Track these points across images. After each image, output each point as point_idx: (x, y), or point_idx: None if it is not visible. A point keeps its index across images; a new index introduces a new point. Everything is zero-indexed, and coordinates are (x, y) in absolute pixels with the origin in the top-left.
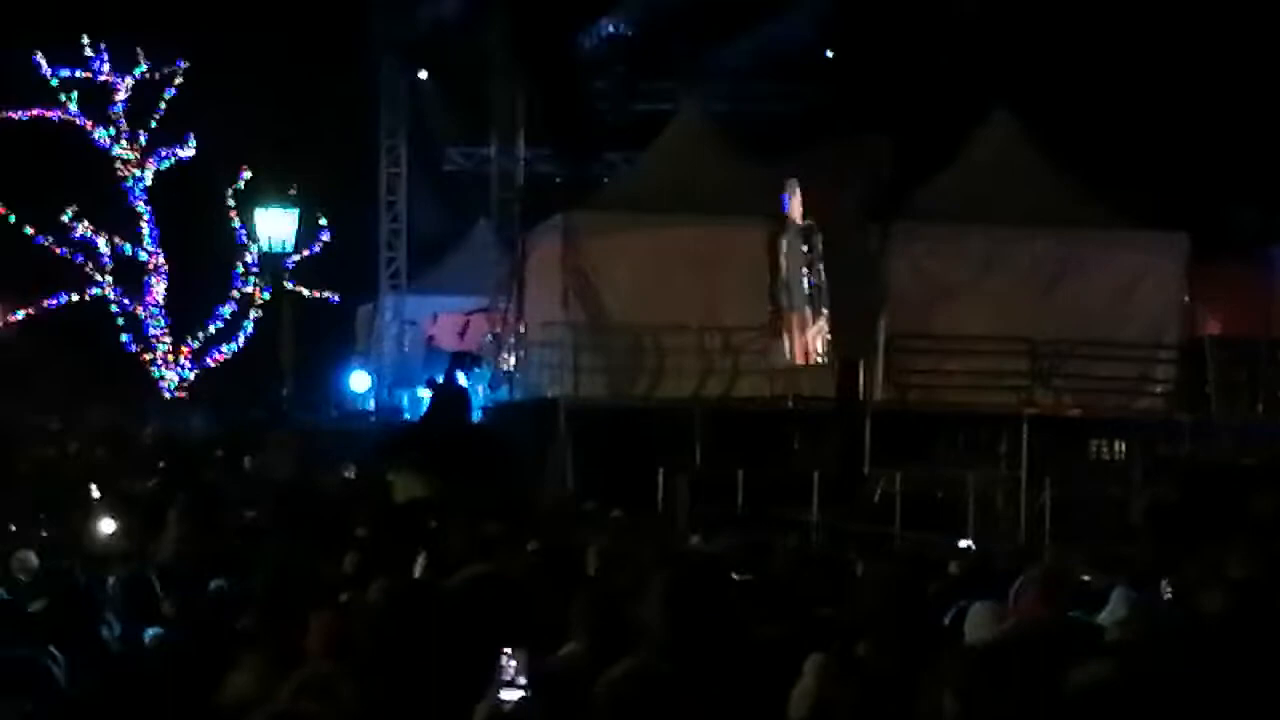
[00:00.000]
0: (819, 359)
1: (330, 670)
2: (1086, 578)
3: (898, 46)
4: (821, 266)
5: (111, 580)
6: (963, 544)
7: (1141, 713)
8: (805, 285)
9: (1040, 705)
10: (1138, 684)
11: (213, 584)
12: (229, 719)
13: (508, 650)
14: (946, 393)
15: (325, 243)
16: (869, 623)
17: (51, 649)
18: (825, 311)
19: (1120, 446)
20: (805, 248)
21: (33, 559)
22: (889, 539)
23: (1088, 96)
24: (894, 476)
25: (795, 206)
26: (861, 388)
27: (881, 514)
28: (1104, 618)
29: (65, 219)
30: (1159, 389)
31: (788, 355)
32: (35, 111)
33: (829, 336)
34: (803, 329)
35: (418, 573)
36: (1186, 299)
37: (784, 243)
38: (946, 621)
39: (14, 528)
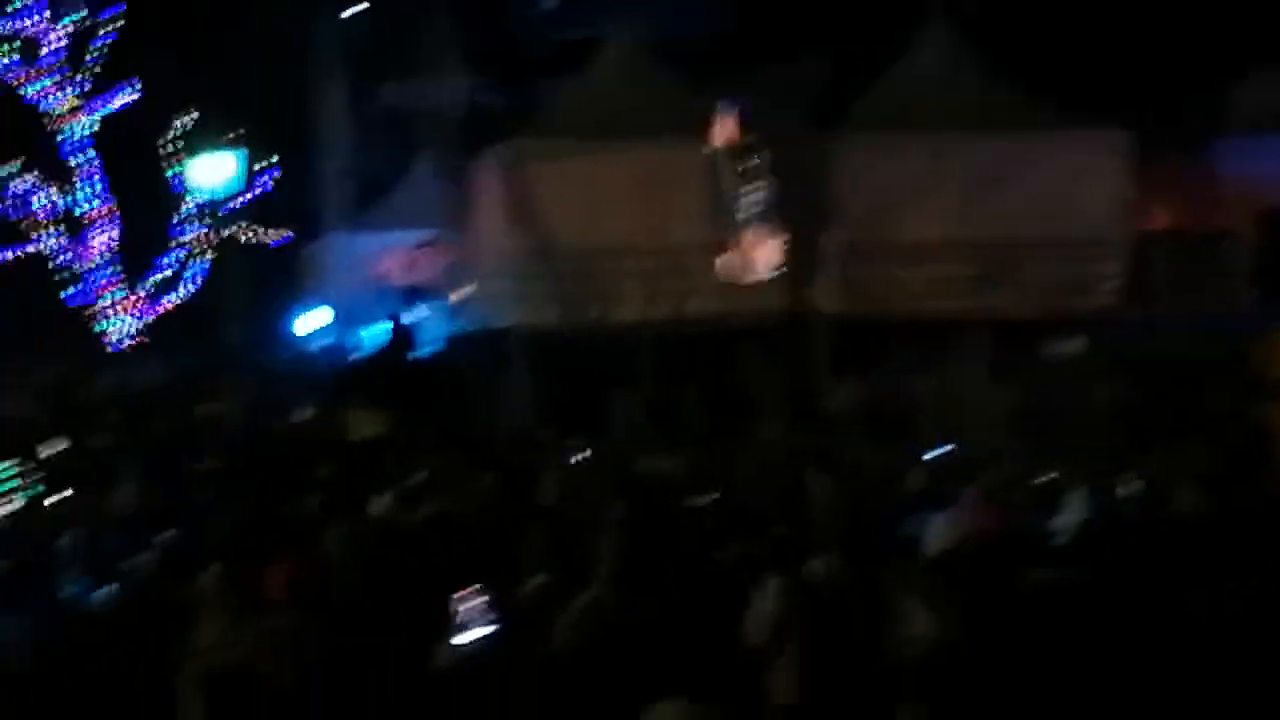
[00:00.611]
0: (769, 274)
1: (289, 621)
2: (1050, 477)
3: None
4: (767, 183)
5: (66, 538)
6: (931, 455)
7: (1101, 609)
8: (752, 202)
9: (996, 608)
10: (1094, 583)
11: (164, 536)
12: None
13: (460, 594)
14: (897, 301)
15: (273, 183)
16: (827, 539)
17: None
18: (774, 227)
19: (1075, 345)
20: (748, 165)
21: None
22: (847, 452)
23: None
24: (849, 388)
25: (729, 129)
26: (812, 300)
27: (838, 427)
28: (1064, 519)
29: (5, 174)
30: (1108, 286)
31: (737, 272)
32: None
33: (778, 252)
34: (751, 245)
35: (378, 510)
36: (1131, 195)
37: (722, 164)
38: (908, 532)
39: None
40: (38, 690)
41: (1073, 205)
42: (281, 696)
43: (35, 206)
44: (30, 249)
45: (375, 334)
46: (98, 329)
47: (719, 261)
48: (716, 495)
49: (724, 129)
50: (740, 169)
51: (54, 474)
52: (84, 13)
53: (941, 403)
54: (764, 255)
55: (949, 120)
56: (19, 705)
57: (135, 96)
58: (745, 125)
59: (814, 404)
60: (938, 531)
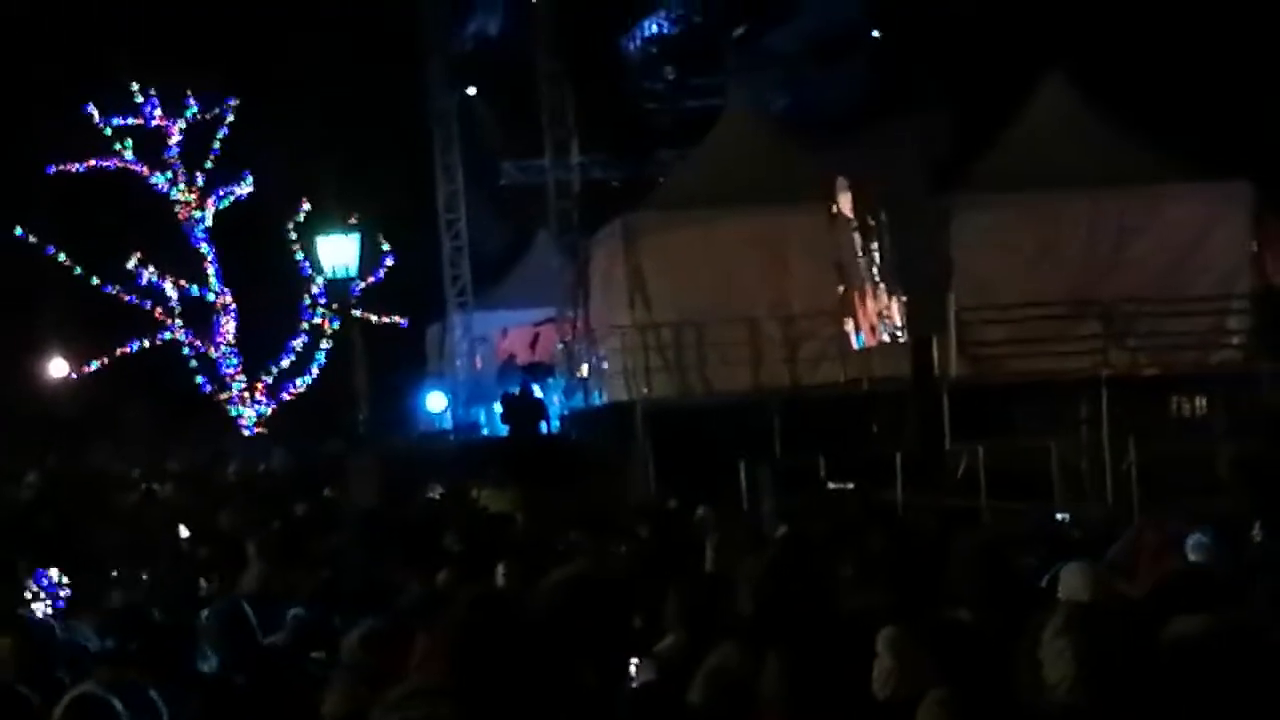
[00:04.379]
0: (892, 337)
1: (431, 684)
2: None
3: (944, 20)
4: (884, 246)
5: (205, 614)
6: (1059, 517)
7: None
8: (870, 265)
9: (1142, 656)
10: (1233, 634)
11: (291, 613)
12: None
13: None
14: (1021, 362)
15: (389, 267)
16: (965, 591)
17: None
18: (894, 290)
19: (1201, 401)
20: (866, 228)
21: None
22: (977, 513)
23: (1141, 51)
24: (976, 450)
25: (846, 201)
26: (935, 363)
27: (966, 489)
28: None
29: (130, 266)
30: (1235, 340)
31: (858, 337)
32: (91, 162)
33: (900, 315)
34: (871, 309)
35: (500, 582)
36: (1255, 247)
37: (842, 228)
38: (1043, 584)
39: (115, 574)
40: None
41: (1196, 259)
42: None
43: (163, 297)
44: (160, 339)
45: (498, 413)
46: (230, 415)
47: (840, 327)
48: (854, 553)
49: (843, 199)
50: (860, 233)
51: (188, 558)
52: (200, 105)
53: (1067, 462)
54: (885, 319)
55: (1069, 178)
56: None
57: (250, 188)
58: (864, 192)
59: (940, 467)
60: (1075, 581)
